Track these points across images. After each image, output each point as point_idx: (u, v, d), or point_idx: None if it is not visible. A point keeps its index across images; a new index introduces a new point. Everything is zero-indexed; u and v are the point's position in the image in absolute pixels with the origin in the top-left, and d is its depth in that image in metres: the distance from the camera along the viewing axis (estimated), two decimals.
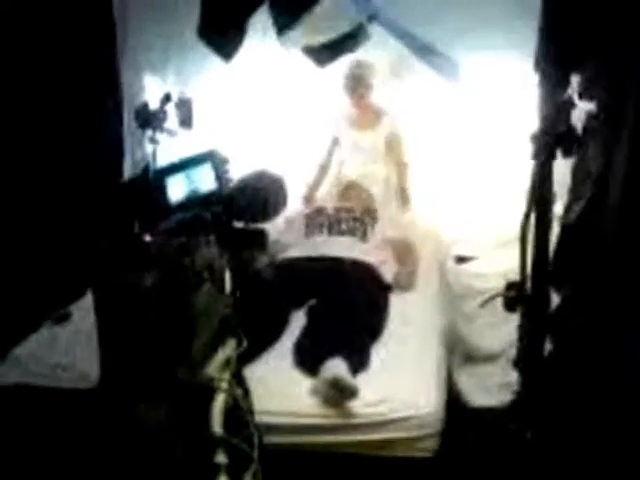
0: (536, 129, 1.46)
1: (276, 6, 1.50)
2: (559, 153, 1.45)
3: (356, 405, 2.29)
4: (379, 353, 2.59)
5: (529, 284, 1.53)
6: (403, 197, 4.12)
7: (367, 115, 4.14)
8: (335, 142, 4.24)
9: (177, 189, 1.57)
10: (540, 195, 1.46)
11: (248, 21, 1.59)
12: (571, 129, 1.45)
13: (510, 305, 1.53)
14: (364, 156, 4.13)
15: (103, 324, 1.20)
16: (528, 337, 1.51)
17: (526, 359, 1.55)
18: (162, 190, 1.56)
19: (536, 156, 1.45)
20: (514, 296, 1.51)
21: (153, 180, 1.58)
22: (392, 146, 4.13)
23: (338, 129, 4.21)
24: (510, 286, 1.54)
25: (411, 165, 4.16)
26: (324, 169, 4.30)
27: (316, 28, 2.04)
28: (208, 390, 1.38)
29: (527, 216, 1.51)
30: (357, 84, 3.99)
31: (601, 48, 1.36)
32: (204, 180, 1.57)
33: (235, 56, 1.68)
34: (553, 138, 1.41)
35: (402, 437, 2.29)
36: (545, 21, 1.32)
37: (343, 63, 3.67)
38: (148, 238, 1.45)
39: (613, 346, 2.86)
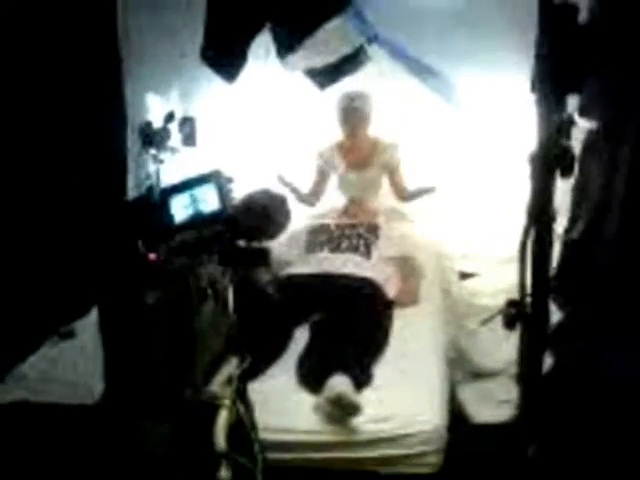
0: (533, 150, 1.48)
1: (278, 30, 1.53)
2: (557, 174, 1.47)
3: (359, 422, 2.30)
4: (382, 369, 2.60)
5: (529, 301, 1.55)
6: (400, 218, 4.05)
7: (362, 153, 4.01)
8: (325, 176, 4.15)
9: (181, 209, 1.59)
10: (539, 214, 1.47)
11: (251, 43, 1.62)
12: (568, 150, 1.46)
13: (510, 323, 1.54)
14: (361, 189, 4.05)
15: (108, 341, 1.22)
16: (528, 354, 1.52)
17: (526, 375, 1.56)
18: (166, 210, 1.58)
19: (534, 176, 1.47)
20: (513, 314, 1.52)
21: (157, 200, 1.60)
22: (391, 173, 4.04)
23: (330, 166, 4.11)
24: (510, 304, 1.56)
25: (412, 180, 4.06)
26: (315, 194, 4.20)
27: (317, 51, 2.08)
28: (211, 407, 1.40)
29: (526, 234, 1.53)
30: (353, 118, 3.87)
31: (597, 70, 1.38)
32: (208, 200, 1.59)
33: (237, 77, 1.70)
34: (550, 159, 1.43)
35: (405, 453, 2.30)
36: (540, 43, 1.34)
37: (341, 90, 3.65)
38: (152, 257, 1.48)
39: (613, 361, 2.88)
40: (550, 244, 1.52)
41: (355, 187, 4.03)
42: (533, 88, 1.40)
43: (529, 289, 1.54)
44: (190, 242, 1.53)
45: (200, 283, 1.42)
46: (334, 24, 1.68)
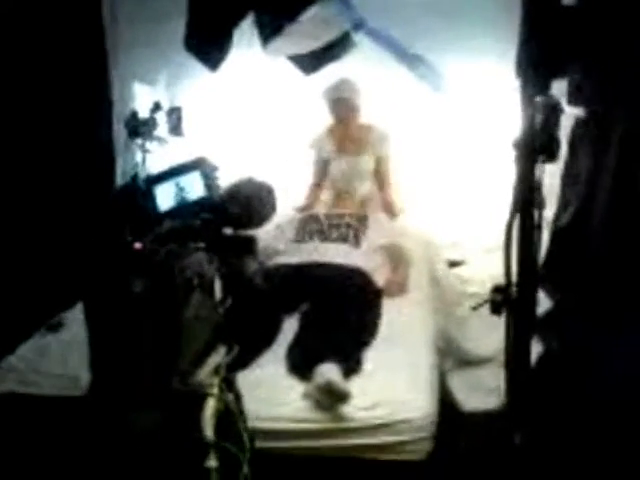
0: (518, 135, 1.48)
1: (261, 16, 1.52)
2: (541, 158, 1.47)
3: (349, 409, 2.30)
4: (372, 357, 2.60)
5: (515, 288, 1.55)
6: (390, 210, 4.00)
7: (354, 138, 4.02)
8: (326, 163, 4.13)
9: (166, 197, 1.58)
10: (523, 200, 1.47)
11: (234, 32, 1.60)
12: (552, 134, 1.46)
13: (496, 308, 1.54)
14: (351, 178, 4.02)
15: (94, 331, 1.21)
16: (514, 340, 1.52)
17: (512, 362, 1.56)
18: (151, 198, 1.57)
19: (518, 161, 1.46)
20: (500, 299, 1.52)
21: (142, 188, 1.59)
22: (381, 163, 4.04)
23: (327, 154, 4.10)
24: (496, 289, 1.56)
25: (400, 169, 4.10)
26: (319, 187, 4.20)
27: (301, 37, 2.06)
28: (199, 396, 1.40)
29: (510, 221, 1.53)
30: (342, 108, 3.91)
31: (581, 54, 1.38)
32: (193, 188, 1.58)
33: (221, 66, 1.69)
34: (535, 144, 1.42)
35: (395, 441, 2.30)
36: (525, 27, 1.34)
37: (327, 77, 3.62)
38: (138, 246, 1.46)
39: (602, 349, 2.89)
40: (535, 230, 1.52)
41: (346, 174, 4.02)
42: (517, 73, 1.40)
43: (515, 276, 1.54)
44: (176, 230, 1.52)
45: (186, 272, 1.41)
46: (317, 10, 1.67)
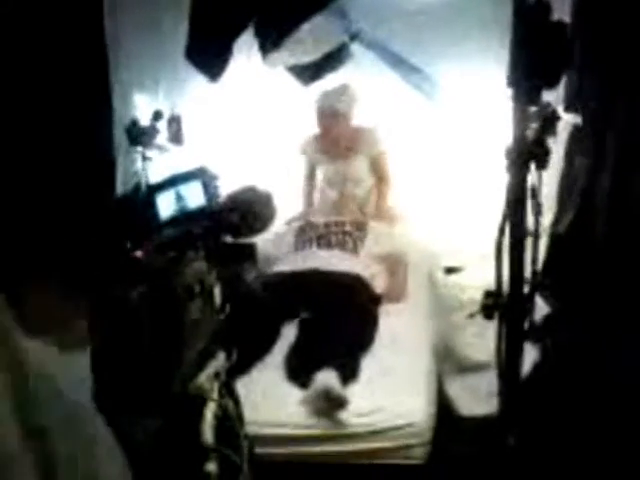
0: (509, 143, 1.51)
1: (261, 27, 1.54)
2: (533, 166, 1.49)
3: (347, 415, 2.33)
4: (370, 364, 2.63)
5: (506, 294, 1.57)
6: (388, 216, 4.00)
7: (344, 142, 3.96)
8: (315, 167, 4.16)
9: (167, 205, 1.60)
10: (514, 207, 1.50)
11: (234, 43, 1.63)
12: (542, 142, 1.49)
13: (488, 313, 1.57)
14: (344, 182, 4.02)
15: (94, 339, 1.23)
16: (506, 345, 1.55)
17: (504, 367, 1.58)
18: (152, 206, 1.59)
19: (509, 169, 1.49)
20: (491, 304, 1.54)
21: (143, 197, 1.61)
22: (376, 164, 4.03)
23: (314, 157, 4.12)
24: (488, 294, 1.58)
25: (397, 178, 4.10)
26: (311, 193, 4.22)
27: (300, 48, 2.09)
28: (199, 401, 1.42)
29: (502, 228, 1.55)
30: (327, 119, 3.83)
31: (572, 64, 1.41)
32: (194, 196, 1.60)
33: (221, 76, 1.72)
34: (525, 151, 1.45)
35: (392, 446, 2.33)
36: (515, 38, 1.36)
37: (325, 87, 3.66)
38: (138, 254, 1.49)
39: (599, 355, 2.91)
40: (525, 237, 1.54)
41: (337, 178, 4.02)
42: (509, 83, 1.43)
43: (506, 284, 1.56)
44: (176, 239, 1.54)
45: (186, 280, 1.44)
46: (316, 21, 1.70)
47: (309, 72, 1.96)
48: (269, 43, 1.56)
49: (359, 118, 3.95)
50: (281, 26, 1.54)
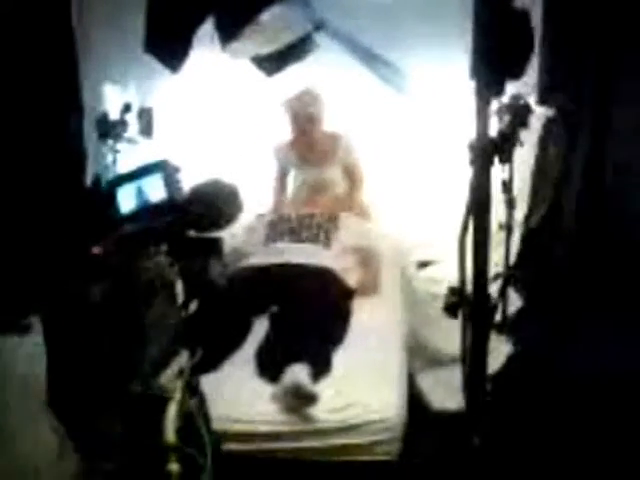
0: (472, 137, 1.48)
1: (220, 17, 1.51)
2: (496, 159, 1.47)
3: (317, 411, 2.30)
4: (341, 359, 2.60)
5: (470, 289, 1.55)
6: (360, 211, 3.95)
7: (318, 149, 3.94)
8: (286, 173, 4.12)
9: (128, 199, 1.56)
10: (478, 201, 1.47)
11: (194, 33, 1.59)
12: (505, 136, 1.47)
13: (451, 310, 1.54)
14: (316, 189, 3.99)
15: (50, 337, 1.19)
16: (472, 342, 1.53)
17: (469, 363, 1.56)
18: (112, 201, 1.56)
19: (473, 163, 1.47)
20: (455, 301, 1.52)
21: (103, 191, 1.57)
22: (350, 172, 3.99)
23: (286, 164, 4.08)
24: (452, 291, 1.56)
25: (367, 171, 4.05)
26: (282, 192, 4.18)
27: (261, 38, 2.04)
28: (161, 400, 1.38)
29: (465, 223, 1.53)
30: (303, 123, 3.81)
31: (531, 55, 1.38)
32: (155, 190, 1.56)
33: (181, 67, 1.67)
34: (488, 145, 1.42)
35: (364, 442, 2.30)
36: (476, 28, 1.34)
37: (292, 77, 3.59)
38: (97, 250, 1.45)
39: (569, 349, 2.92)
40: (489, 232, 1.52)
41: (311, 186, 3.99)
42: (472, 75, 1.40)
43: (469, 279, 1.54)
44: (137, 234, 1.50)
45: (147, 275, 1.40)
46: (277, 10, 1.66)
47: (272, 63, 1.92)
48: (228, 33, 1.53)
49: (329, 119, 3.92)
50: (239, 15, 1.51)
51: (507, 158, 1.52)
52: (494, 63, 1.32)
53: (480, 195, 1.44)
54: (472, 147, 1.45)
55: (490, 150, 1.39)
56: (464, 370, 1.60)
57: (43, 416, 1.21)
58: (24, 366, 2.66)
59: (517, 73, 1.34)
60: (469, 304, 1.48)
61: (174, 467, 1.36)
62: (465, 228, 1.50)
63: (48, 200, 3.33)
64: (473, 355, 1.50)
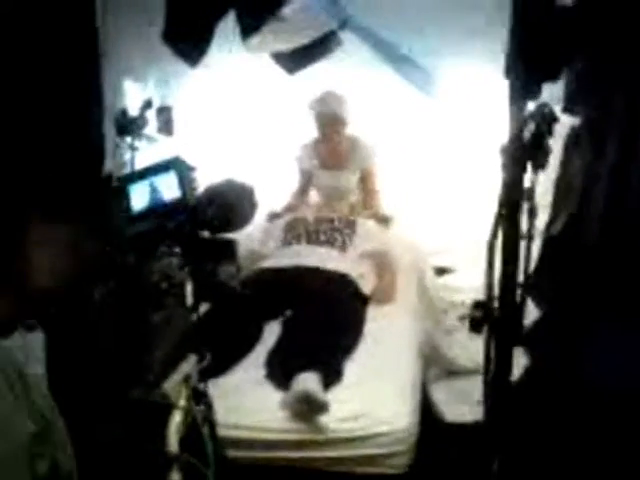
0: (505, 141, 1.41)
1: (241, 11, 1.46)
2: (529, 166, 1.40)
3: (327, 420, 2.24)
4: (353, 367, 2.55)
5: (496, 302, 1.48)
6: (378, 220, 3.85)
7: (338, 153, 3.89)
8: (309, 175, 4.04)
9: (140, 197, 1.52)
10: (509, 208, 1.41)
11: (215, 26, 1.54)
12: (541, 142, 1.40)
13: (475, 326, 1.47)
14: (334, 192, 3.94)
15: (52, 339, 1.14)
16: (496, 358, 1.46)
17: (493, 382, 1.50)
18: (125, 198, 1.51)
19: (505, 168, 1.40)
20: (480, 316, 1.45)
21: (116, 188, 1.53)
22: (365, 179, 3.93)
23: (309, 166, 4.00)
24: (476, 305, 1.49)
25: (386, 176, 4.00)
26: (304, 193, 4.11)
27: (283, 33, 1.98)
28: (164, 407, 1.33)
29: (495, 231, 1.46)
30: (328, 124, 3.76)
31: (575, 55, 1.31)
32: (168, 188, 1.51)
33: (200, 62, 1.63)
34: (523, 150, 1.36)
35: (374, 453, 2.25)
36: (516, 25, 1.26)
37: (314, 78, 3.52)
38: (107, 248, 1.40)
39: (590, 363, 2.84)
40: (520, 240, 1.46)
41: (327, 188, 3.94)
42: (507, 73, 1.33)
43: (497, 289, 1.48)
44: (148, 233, 1.46)
45: (155, 277, 1.35)
46: (301, 6, 1.61)
47: (294, 60, 1.87)
48: (249, 26, 1.48)
49: (356, 119, 3.85)
50: (261, 8, 1.46)
51: (541, 165, 1.45)
52: (533, 62, 1.25)
53: (511, 202, 1.37)
54: (504, 151, 1.38)
55: (523, 155, 1.33)
56: (485, 383, 1.53)
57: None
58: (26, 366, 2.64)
59: (555, 74, 1.28)
60: (494, 319, 1.41)
61: (176, 477, 1.31)
62: (494, 235, 1.44)
63: (66, 197, 3.32)
64: (497, 366, 1.43)
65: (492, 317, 1.43)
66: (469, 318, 1.49)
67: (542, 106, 3.11)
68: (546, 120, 3.27)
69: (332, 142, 3.85)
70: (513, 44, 1.28)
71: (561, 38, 1.25)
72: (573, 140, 4.19)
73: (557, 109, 3.38)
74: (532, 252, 3.61)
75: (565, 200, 4.18)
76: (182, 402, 1.37)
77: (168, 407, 1.33)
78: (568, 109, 3.91)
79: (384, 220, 3.84)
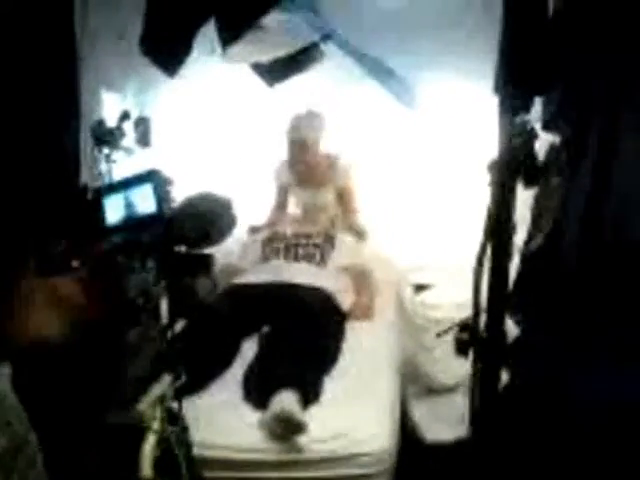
0: (494, 157, 1.38)
1: (220, 20, 1.42)
2: (520, 183, 1.37)
3: (305, 441, 2.19)
4: (332, 385, 2.49)
5: (482, 322, 1.45)
6: (356, 235, 3.83)
7: (315, 172, 3.81)
8: (286, 191, 4.01)
9: (115, 210, 1.47)
10: (498, 225, 1.37)
11: (193, 36, 1.50)
12: (533, 158, 1.37)
13: (462, 349, 1.43)
14: (312, 209, 3.90)
15: (18, 364, 1.08)
16: (481, 378, 1.42)
17: (479, 401, 1.46)
18: (99, 211, 1.46)
19: (494, 184, 1.37)
20: (466, 339, 1.41)
21: (90, 200, 1.48)
22: (341, 197, 3.88)
23: (287, 182, 3.97)
24: (462, 327, 1.45)
25: (363, 190, 3.95)
26: (282, 209, 4.07)
27: (263, 44, 1.94)
28: (138, 429, 1.28)
29: (483, 248, 1.42)
30: (300, 151, 3.68)
31: (566, 69, 1.29)
32: (144, 201, 1.46)
33: (178, 72, 1.58)
34: (513, 166, 1.33)
35: (353, 474, 2.20)
36: (506, 39, 1.24)
37: (296, 90, 3.47)
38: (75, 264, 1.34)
39: (571, 380, 2.81)
40: (509, 259, 1.43)
41: (306, 205, 3.90)
42: (496, 89, 1.31)
43: (483, 307, 1.44)
44: (122, 247, 1.40)
45: (131, 292, 1.30)
46: (282, 17, 1.58)
47: (274, 72, 1.83)
48: (228, 36, 1.44)
49: (331, 137, 3.79)
50: (241, 17, 1.42)
51: (533, 180, 1.42)
52: (523, 76, 1.22)
53: (501, 219, 1.34)
54: (492, 168, 1.35)
55: (514, 171, 1.30)
56: (471, 403, 1.49)
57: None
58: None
59: (545, 88, 1.25)
60: (481, 340, 1.37)
61: None
62: (483, 252, 1.40)
63: (40, 208, 3.24)
64: (482, 385, 1.40)
65: (479, 338, 1.39)
66: (455, 340, 1.44)
67: (525, 123, 3.11)
68: (531, 137, 3.27)
69: (305, 164, 3.78)
70: (502, 58, 1.26)
71: (553, 50, 1.23)
72: (552, 158, 4.18)
73: (537, 126, 3.37)
74: (510, 269, 3.59)
75: (542, 219, 4.17)
76: (156, 424, 1.31)
77: (142, 429, 1.27)
78: (548, 126, 3.92)
79: (359, 234, 3.81)
